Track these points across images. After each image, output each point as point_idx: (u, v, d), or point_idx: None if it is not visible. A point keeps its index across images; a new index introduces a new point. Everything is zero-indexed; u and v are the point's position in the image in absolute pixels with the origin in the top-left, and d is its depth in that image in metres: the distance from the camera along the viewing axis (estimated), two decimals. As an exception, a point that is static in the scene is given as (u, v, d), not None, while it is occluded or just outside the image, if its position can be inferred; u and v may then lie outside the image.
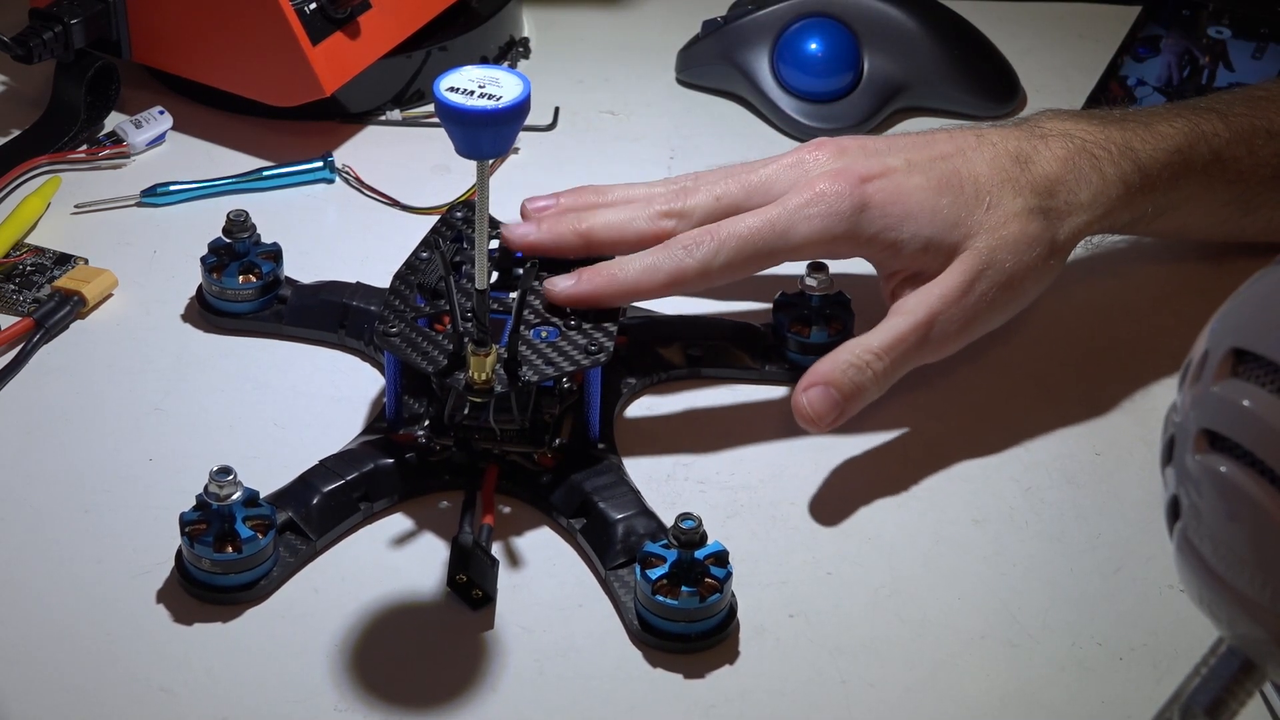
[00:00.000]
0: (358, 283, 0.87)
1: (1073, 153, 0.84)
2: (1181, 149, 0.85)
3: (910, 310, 0.80)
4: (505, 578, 0.75)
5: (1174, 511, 0.53)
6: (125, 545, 0.76)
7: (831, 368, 0.79)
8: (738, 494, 0.79)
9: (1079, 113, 0.88)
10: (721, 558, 0.72)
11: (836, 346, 0.84)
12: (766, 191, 0.82)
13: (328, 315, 0.86)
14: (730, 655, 0.72)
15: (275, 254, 0.87)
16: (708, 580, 0.72)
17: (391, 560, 0.76)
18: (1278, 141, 0.87)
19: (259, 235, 0.87)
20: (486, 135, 0.70)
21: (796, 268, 0.85)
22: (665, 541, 0.72)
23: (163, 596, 0.73)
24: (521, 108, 0.70)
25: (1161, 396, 0.85)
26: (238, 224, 0.86)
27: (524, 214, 0.85)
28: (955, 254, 0.81)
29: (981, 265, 0.81)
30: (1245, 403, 0.51)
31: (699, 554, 0.72)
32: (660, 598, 0.71)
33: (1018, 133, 0.85)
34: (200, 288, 0.88)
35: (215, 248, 0.87)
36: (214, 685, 0.70)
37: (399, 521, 0.77)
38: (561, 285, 0.80)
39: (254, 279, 0.86)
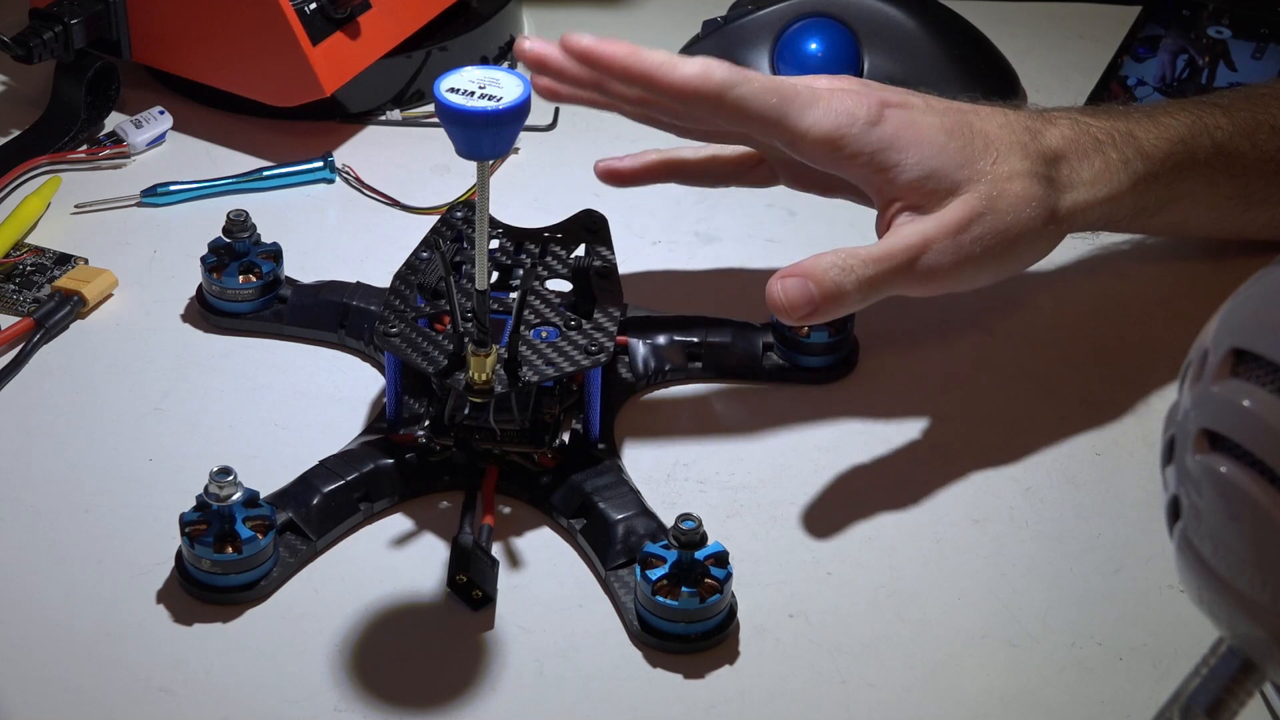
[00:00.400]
0: (358, 283, 0.87)
1: (1079, 135, 0.84)
2: (1185, 139, 0.85)
3: (904, 234, 0.80)
4: (505, 578, 0.75)
5: (1174, 511, 0.53)
6: (125, 545, 0.76)
7: (814, 264, 0.78)
8: (738, 494, 0.79)
9: (1083, 107, 0.88)
10: (721, 558, 0.72)
11: (836, 346, 0.85)
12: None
13: (328, 315, 0.86)
14: (730, 655, 0.72)
15: (275, 254, 0.87)
16: (708, 581, 0.72)
17: (391, 561, 0.76)
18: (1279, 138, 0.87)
19: (259, 235, 0.87)
20: (487, 136, 0.70)
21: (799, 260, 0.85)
22: (665, 542, 0.72)
23: (163, 596, 0.74)
24: (522, 108, 0.70)
25: (1161, 396, 0.85)
26: (238, 224, 0.86)
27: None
28: (955, 193, 0.81)
29: (981, 208, 0.80)
30: (1245, 403, 0.51)
31: (699, 555, 0.72)
32: (660, 598, 0.71)
33: (1028, 113, 0.85)
34: (200, 287, 0.88)
35: (215, 247, 0.87)
36: (214, 685, 0.70)
37: (399, 522, 0.78)
38: (582, 39, 0.79)
39: (254, 279, 0.86)
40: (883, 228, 0.82)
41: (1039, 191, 0.81)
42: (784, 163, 0.86)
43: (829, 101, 0.80)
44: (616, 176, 0.88)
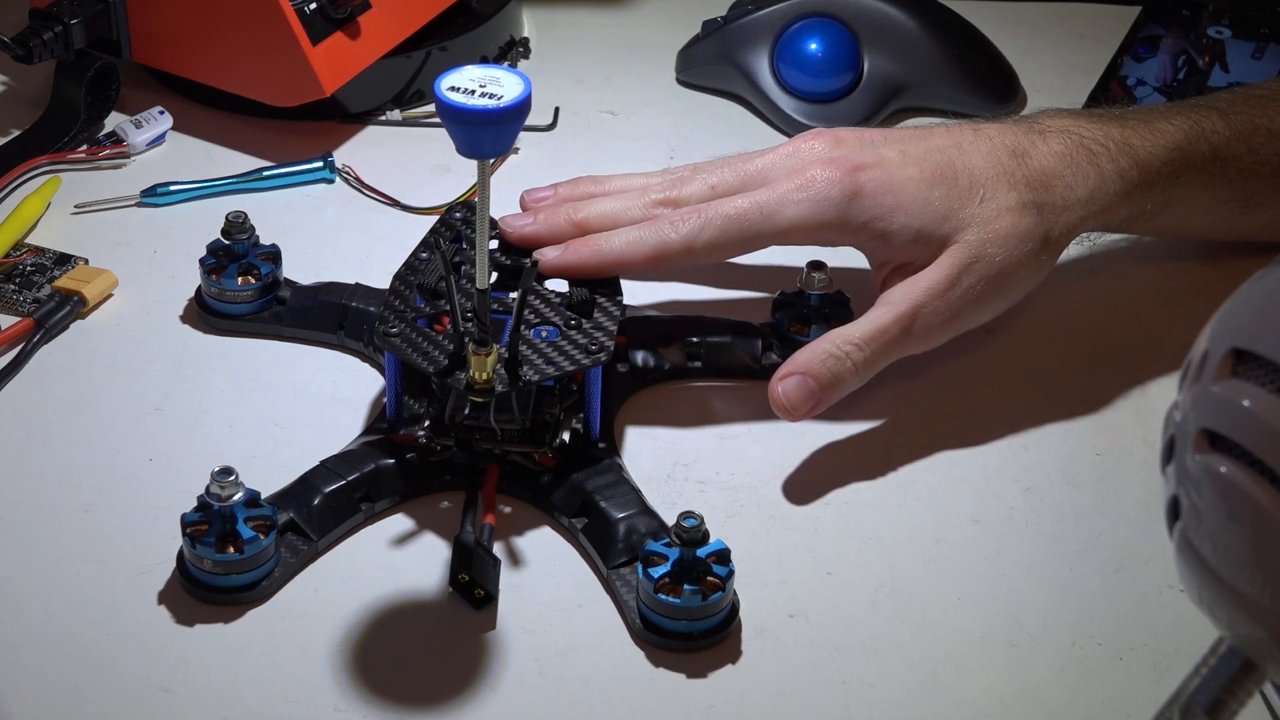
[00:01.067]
0: (356, 284, 0.87)
1: (1070, 149, 0.84)
2: (1181, 146, 0.85)
3: (895, 301, 0.81)
4: (506, 578, 0.75)
5: (1174, 511, 0.53)
6: (125, 545, 0.76)
7: (810, 357, 0.79)
8: (738, 494, 0.79)
9: (1078, 111, 0.88)
10: (723, 556, 0.72)
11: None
12: (761, 180, 0.83)
13: (327, 316, 0.86)
14: (731, 655, 0.72)
15: (274, 255, 0.87)
16: (710, 578, 0.72)
17: (392, 560, 0.76)
18: (1278, 140, 0.87)
19: (258, 237, 0.87)
20: (487, 134, 0.70)
21: (797, 266, 0.85)
22: (667, 540, 0.72)
23: (163, 597, 0.73)
24: (522, 107, 0.70)
25: (1161, 396, 0.85)
26: (236, 225, 0.86)
27: (523, 205, 0.86)
28: (945, 246, 0.81)
29: (970, 259, 0.81)
30: (1245, 403, 0.51)
31: (701, 552, 0.72)
32: (663, 596, 0.71)
33: (1015, 128, 0.85)
34: (199, 289, 0.88)
35: (214, 249, 0.87)
36: (214, 685, 0.70)
37: (400, 522, 0.78)
38: (549, 255, 0.81)
39: (253, 280, 0.86)
40: (878, 285, 0.83)
41: (1029, 225, 0.82)
42: None
43: (800, 190, 0.81)
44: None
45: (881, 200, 0.81)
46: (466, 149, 0.70)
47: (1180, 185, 0.86)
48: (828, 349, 0.79)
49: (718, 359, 0.85)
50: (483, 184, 0.72)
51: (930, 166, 0.82)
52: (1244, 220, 0.89)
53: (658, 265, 0.82)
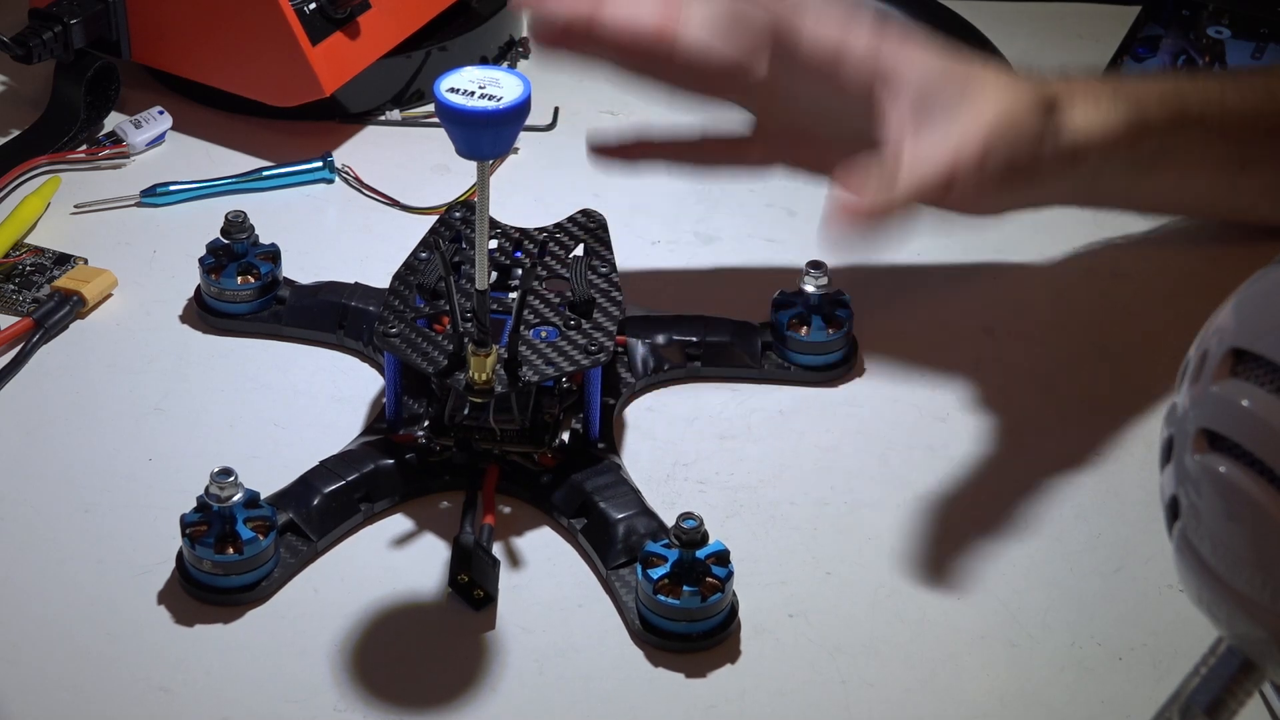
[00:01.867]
0: (356, 283, 0.87)
1: (1073, 84, 0.84)
2: (1178, 91, 0.86)
3: (935, 143, 0.79)
4: (506, 578, 0.75)
5: (1173, 511, 0.53)
6: (125, 545, 0.76)
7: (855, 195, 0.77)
8: (738, 494, 0.79)
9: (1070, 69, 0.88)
10: (723, 557, 0.72)
11: (834, 345, 0.85)
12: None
13: (326, 316, 0.86)
14: (730, 655, 0.72)
15: (273, 255, 0.87)
16: (709, 580, 0.72)
17: (392, 561, 0.76)
18: (1276, 100, 0.87)
19: (257, 236, 0.87)
20: (487, 136, 0.70)
21: (797, 266, 0.85)
22: (666, 541, 0.72)
23: (163, 597, 0.73)
24: (522, 108, 0.70)
25: (1161, 396, 0.85)
26: (236, 225, 0.86)
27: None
28: (965, 94, 0.80)
29: (993, 118, 0.80)
30: (1244, 403, 0.50)
31: (700, 553, 0.72)
32: (662, 597, 0.71)
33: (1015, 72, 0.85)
34: (199, 289, 0.88)
35: (213, 249, 0.87)
36: (214, 685, 0.70)
37: (399, 522, 0.77)
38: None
39: (252, 280, 0.86)
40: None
41: (1039, 119, 0.81)
42: (780, 134, 0.86)
43: (829, 15, 0.81)
44: (606, 153, 0.87)
45: (901, 47, 0.81)
46: (466, 150, 0.70)
47: (1178, 135, 0.85)
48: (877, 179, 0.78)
49: (718, 359, 0.85)
50: (482, 185, 0.72)
51: (945, 58, 0.82)
52: (1240, 181, 0.88)
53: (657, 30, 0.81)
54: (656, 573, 0.72)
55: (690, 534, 0.71)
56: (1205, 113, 0.86)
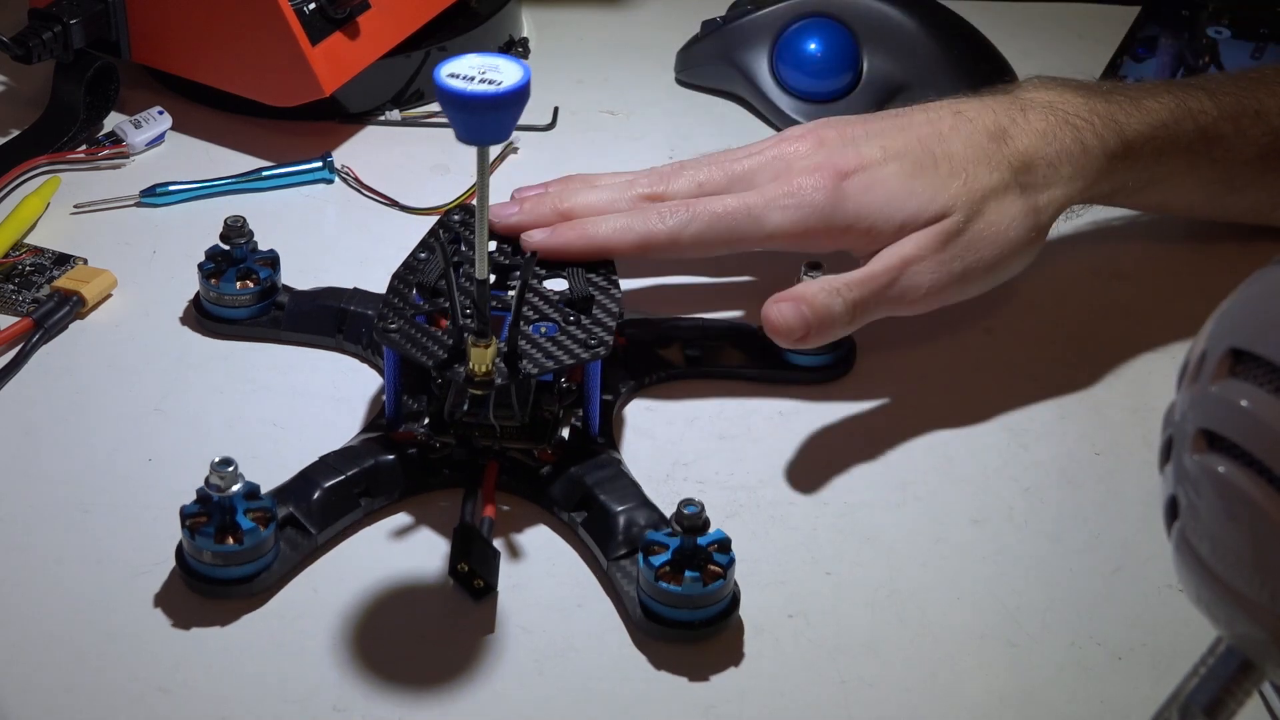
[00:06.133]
0: (355, 288, 0.87)
1: (1053, 125, 0.84)
2: (1167, 124, 0.86)
3: (884, 256, 0.82)
4: (505, 577, 0.74)
5: (1172, 511, 0.53)
6: (124, 545, 0.76)
7: (805, 289, 0.80)
8: (738, 494, 0.79)
9: (1065, 81, 0.88)
10: (724, 544, 0.72)
11: (835, 346, 0.85)
12: (747, 182, 0.84)
13: (325, 321, 0.86)
14: (731, 655, 0.72)
15: (272, 260, 0.87)
16: (711, 566, 0.72)
17: (391, 559, 0.76)
18: (1265, 121, 0.87)
19: (256, 241, 0.87)
20: (488, 120, 0.69)
21: (796, 266, 0.85)
22: (668, 530, 0.72)
23: (162, 597, 0.73)
24: (522, 92, 0.70)
25: (1161, 396, 0.84)
26: (235, 230, 0.86)
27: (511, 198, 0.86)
28: (934, 223, 0.82)
29: (957, 227, 0.82)
30: (1243, 403, 0.50)
31: (702, 540, 0.72)
32: (664, 584, 0.71)
33: (996, 105, 0.85)
34: (198, 294, 0.87)
35: (212, 254, 0.87)
36: (213, 685, 0.70)
37: (399, 519, 0.78)
38: (537, 237, 0.82)
39: (251, 285, 0.86)
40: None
41: (1013, 204, 0.82)
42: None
43: (786, 196, 0.82)
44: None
45: (865, 200, 0.82)
46: (466, 135, 0.70)
47: (1164, 163, 0.86)
48: (823, 285, 0.80)
49: (717, 359, 0.85)
50: (482, 173, 0.71)
51: (911, 160, 0.83)
52: (1228, 201, 0.89)
53: (643, 252, 0.83)
54: (658, 560, 0.72)
55: (692, 520, 0.71)
56: (1194, 143, 0.86)
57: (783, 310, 0.79)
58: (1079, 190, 0.84)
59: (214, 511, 0.73)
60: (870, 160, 0.83)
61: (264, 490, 0.75)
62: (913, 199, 0.82)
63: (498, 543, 0.76)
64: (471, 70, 0.70)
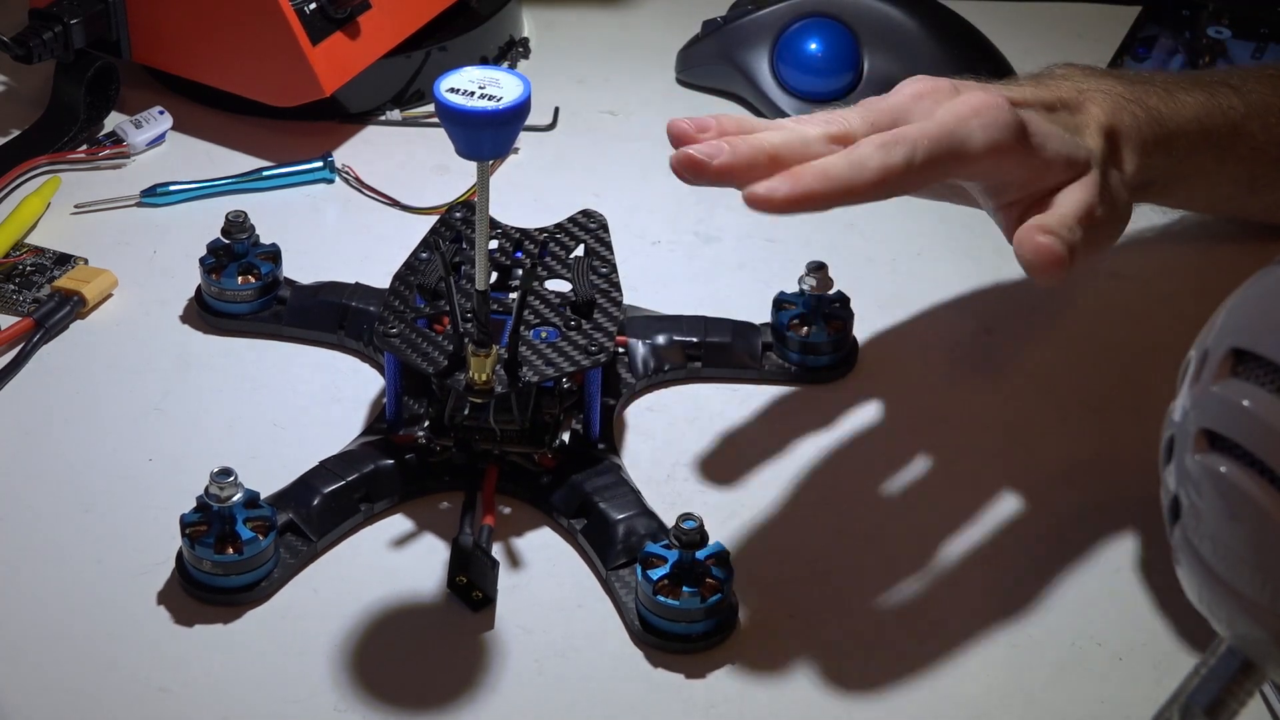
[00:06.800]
0: (356, 283, 0.87)
1: (1116, 109, 0.82)
2: (1200, 118, 0.84)
3: (1073, 193, 0.78)
4: (505, 578, 0.75)
5: (1174, 512, 0.53)
6: (125, 545, 0.76)
7: (1047, 219, 0.76)
8: (738, 494, 0.79)
9: (1100, 70, 0.86)
10: (723, 558, 0.72)
11: (835, 346, 0.85)
12: (909, 116, 0.78)
13: (327, 316, 0.86)
14: (730, 655, 0.72)
15: (274, 255, 0.87)
16: (709, 581, 0.72)
17: (392, 561, 0.76)
18: None
19: (258, 236, 0.87)
20: (487, 136, 0.70)
21: (797, 266, 0.85)
22: (666, 542, 0.72)
23: (163, 597, 0.73)
24: (522, 109, 0.70)
25: (1162, 396, 0.84)
26: (236, 225, 0.86)
27: (681, 136, 0.75)
28: (1085, 170, 0.79)
29: (1100, 179, 0.79)
30: (1245, 403, 0.51)
31: (700, 554, 0.72)
32: (662, 598, 0.71)
33: (1050, 88, 0.82)
34: (199, 288, 0.88)
35: (214, 249, 0.87)
36: (214, 685, 0.70)
37: (399, 522, 0.77)
38: (764, 188, 0.72)
39: (253, 280, 0.86)
40: (1010, 224, 0.79)
41: (1113, 172, 0.80)
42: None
43: (978, 116, 0.76)
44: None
45: (1041, 126, 0.78)
46: (466, 151, 0.70)
47: (1196, 158, 0.85)
48: (1056, 218, 0.76)
49: (718, 359, 0.85)
50: (482, 185, 0.72)
51: (1040, 105, 0.80)
52: (1249, 200, 0.89)
53: (882, 189, 0.75)
54: (656, 574, 0.72)
55: (690, 535, 0.71)
56: (1224, 139, 0.85)
57: (1042, 244, 0.74)
58: (1138, 168, 0.82)
59: (213, 521, 0.73)
60: (1011, 95, 0.79)
61: (264, 493, 0.75)
62: (1066, 139, 0.78)
63: (497, 545, 0.76)
64: (471, 84, 0.70)
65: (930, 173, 0.75)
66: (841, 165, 0.73)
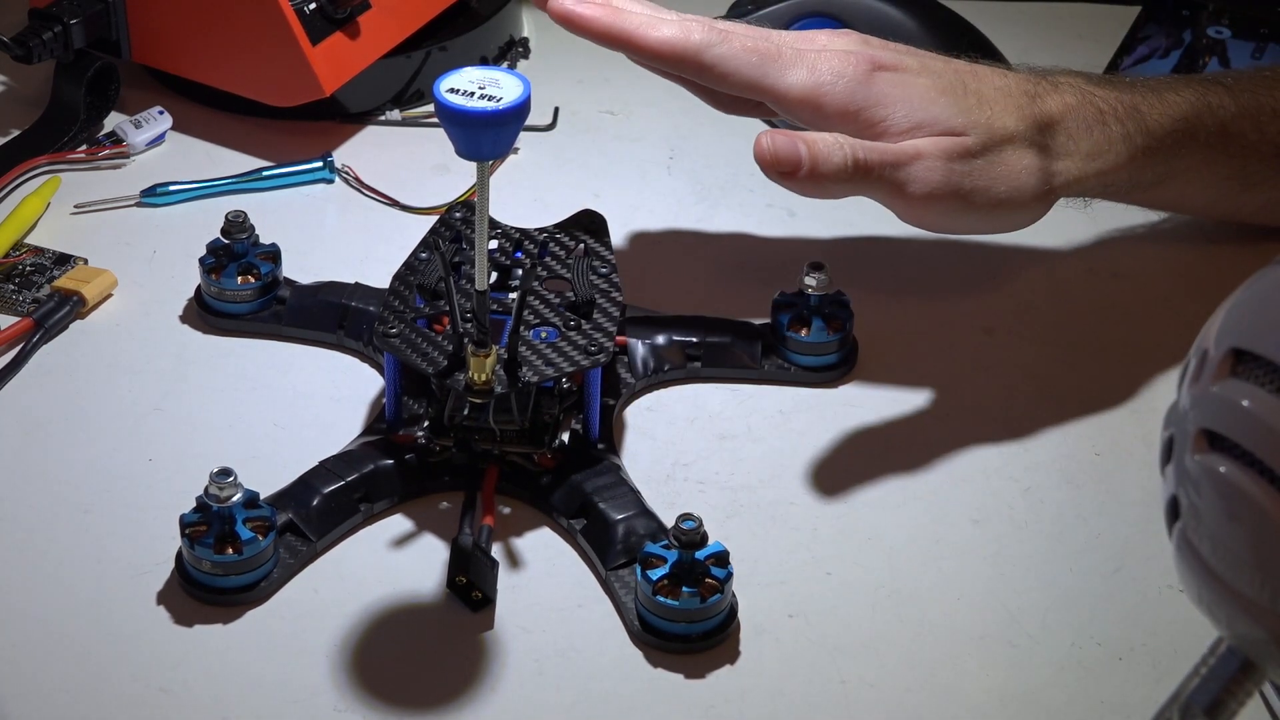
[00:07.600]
0: (356, 283, 0.87)
1: (1081, 103, 0.84)
2: (1188, 118, 0.85)
3: (901, 143, 0.80)
4: (505, 578, 0.75)
5: (1173, 511, 0.53)
6: (125, 545, 0.76)
7: (808, 133, 0.78)
8: (738, 494, 0.79)
9: (1089, 74, 0.88)
10: (722, 558, 0.72)
11: (834, 346, 0.85)
12: (786, 46, 0.82)
13: (326, 316, 0.86)
14: (730, 655, 0.72)
15: (274, 255, 0.87)
16: (708, 581, 0.72)
17: (391, 561, 0.76)
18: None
19: (257, 236, 0.87)
20: (487, 136, 0.69)
21: (797, 266, 0.85)
22: (666, 542, 0.72)
23: (163, 597, 0.73)
24: (521, 109, 0.70)
25: (1161, 396, 0.85)
26: (236, 225, 0.86)
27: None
28: (949, 135, 0.81)
29: (975, 148, 0.81)
30: (1245, 403, 0.50)
31: (699, 554, 0.72)
32: (661, 598, 0.71)
33: (1033, 75, 0.85)
34: (199, 289, 0.88)
35: (214, 249, 0.87)
36: (214, 685, 0.70)
37: (399, 523, 0.77)
38: (566, 3, 0.79)
39: (252, 280, 0.86)
40: None
41: (1031, 158, 0.82)
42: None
43: (814, 61, 0.81)
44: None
45: (889, 91, 0.81)
46: (465, 151, 0.70)
47: (1183, 158, 0.86)
48: (830, 136, 0.79)
49: (718, 359, 0.85)
50: (482, 185, 0.72)
51: (944, 81, 0.82)
52: (1242, 199, 0.89)
53: (665, 56, 0.80)
54: (655, 574, 0.72)
55: (689, 535, 0.71)
56: (1213, 137, 0.86)
57: (776, 139, 0.77)
58: (1095, 173, 0.84)
59: (213, 521, 0.73)
60: (906, 66, 0.82)
61: (263, 493, 0.75)
62: (934, 107, 0.81)
63: (497, 545, 0.76)
64: (471, 85, 0.70)
65: (725, 73, 0.80)
66: (635, 17, 0.79)
